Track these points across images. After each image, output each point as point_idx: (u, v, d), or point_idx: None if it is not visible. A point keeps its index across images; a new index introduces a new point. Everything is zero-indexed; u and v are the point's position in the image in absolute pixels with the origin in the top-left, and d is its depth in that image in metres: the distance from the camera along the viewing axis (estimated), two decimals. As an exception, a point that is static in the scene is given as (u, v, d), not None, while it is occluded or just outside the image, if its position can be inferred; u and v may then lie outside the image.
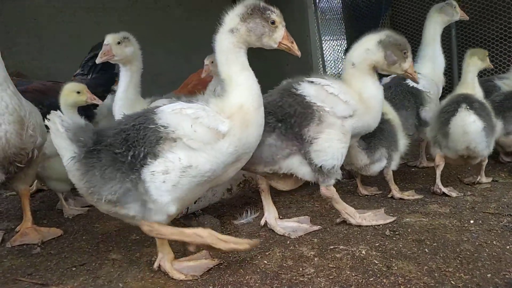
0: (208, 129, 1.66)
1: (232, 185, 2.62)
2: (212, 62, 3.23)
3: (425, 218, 2.25)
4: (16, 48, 6.43)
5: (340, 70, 8.35)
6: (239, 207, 2.70)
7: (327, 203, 2.62)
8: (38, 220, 2.73)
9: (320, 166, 2.04)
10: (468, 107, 2.40)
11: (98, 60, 2.66)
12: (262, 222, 2.32)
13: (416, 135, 3.06)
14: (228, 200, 2.73)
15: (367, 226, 2.17)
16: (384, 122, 2.44)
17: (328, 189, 2.14)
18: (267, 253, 1.99)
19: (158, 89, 5.17)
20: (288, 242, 2.09)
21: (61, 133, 1.65)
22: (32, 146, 2.35)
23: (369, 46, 2.16)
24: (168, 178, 1.63)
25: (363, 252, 1.91)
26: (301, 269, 1.80)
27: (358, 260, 1.83)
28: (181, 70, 4.92)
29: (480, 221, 2.13)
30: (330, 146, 2.01)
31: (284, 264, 1.86)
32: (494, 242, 1.89)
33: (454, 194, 2.53)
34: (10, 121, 2.18)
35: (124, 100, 2.65)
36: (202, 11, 9.16)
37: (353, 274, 1.71)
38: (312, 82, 2.10)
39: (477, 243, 1.89)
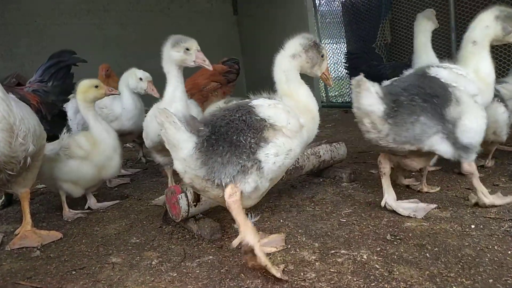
0: (296, 121, 1.96)
1: (233, 189, 2.61)
2: None
3: (426, 222, 2.24)
4: (17, 50, 6.44)
5: (340, 73, 8.38)
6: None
7: (327, 207, 2.62)
8: (37, 223, 2.72)
9: (465, 144, 2.21)
10: (499, 100, 2.88)
11: (211, 68, 2.64)
12: (383, 203, 2.43)
13: None
14: (229, 204, 2.72)
15: (499, 205, 2.33)
16: None
17: (470, 165, 2.28)
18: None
19: (158, 91, 5.20)
20: (289, 246, 2.08)
21: (178, 126, 1.77)
22: (24, 154, 2.27)
23: (488, 23, 2.43)
24: (277, 160, 1.88)
25: (365, 256, 1.90)
26: (302, 274, 1.79)
27: (360, 265, 1.82)
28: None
29: (481, 226, 2.13)
30: (474, 123, 2.22)
31: (285, 269, 1.85)
32: (496, 247, 1.88)
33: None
34: None
35: (184, 101, 2.66)
36: (203, 13, 9.20)
37: (355, 279, 1.71)
38: (441, 66, 2.36)
39: (478, 248, 1.89)
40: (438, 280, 1.65)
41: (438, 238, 2.03)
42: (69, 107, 3.93)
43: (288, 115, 1.93)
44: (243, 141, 1.82)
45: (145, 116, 3.81)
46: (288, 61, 2.08)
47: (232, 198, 1.78)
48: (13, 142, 2.18)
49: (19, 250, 2.34)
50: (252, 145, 1.83)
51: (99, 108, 3.41)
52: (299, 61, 2.08)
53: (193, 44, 2.54)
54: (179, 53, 2.53)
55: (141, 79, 3.55)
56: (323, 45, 2.16)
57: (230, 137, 1.83)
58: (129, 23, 8.31)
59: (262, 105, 1.95)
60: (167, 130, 1.77)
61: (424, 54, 3.38)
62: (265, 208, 2.69)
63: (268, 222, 2.45)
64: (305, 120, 2.02)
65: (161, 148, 2.78)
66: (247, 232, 1.79)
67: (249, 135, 1.84)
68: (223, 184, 1.80)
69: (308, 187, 3.07)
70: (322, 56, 2.12)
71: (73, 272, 2.01)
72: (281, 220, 2.46)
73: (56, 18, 7.50)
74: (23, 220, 2.51)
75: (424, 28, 3.45)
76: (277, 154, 1.87)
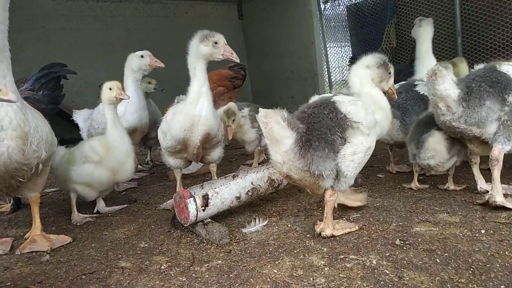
0: (373, 117, 2.15)
1: (241, 193, 2.61)
2: None
3: (435, 227, 2.23)
4: (24, 55, 6.51)
5: (345, 77, 8.37)
6: (247, 215, 2.70)
7: (335, 211, 2.61)
8: (47, 227, 2.74)
9: None
10: None
11: (238, 60, 2.68)
12: (481, 187, 2.68)
13: None
14: (236, 208, 2.73)
15: (509, 208, 2.37)
16: None
17: (500, 153, 2.42)
18: (276, 262, 1.98)
19: (162, 95, 5.22)
20: (297, 251, 2.09)
21: (282, 125, 2.02)
22: (36, 161, 2.32)
23: None
24: (355, 158, 2.10)
25: (374, 262, 1.89)
26: (311, 279, 1.79)
27: (369, 270, 1.82)
28: (186, 76, 4.99)
29: (491, 231, 2.11)
30: None
31: (294, 274, 1.85)
32: (507, 253, 1.87)
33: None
34: (13, 137, 2.16)
35: (210, 96, 2.70)
36: (208, 18, 9.25)
37: (365, 285, 1.70)
38: (508, 64, 2.52)
39: (489, 254, 1.88)
40: (449, 285, 1.64)
41: (448, 243, 2.02)
42: (79, 117, 3.97)
43: (366, 112, 2.13)
44: (335, 139, 2.08)
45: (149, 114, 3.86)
46: (363, 70, 2.35)
47: (332, 197, 2.20)
48: (27, 149, 2.22)
49: (29, 254, 2.36)
50: (338, 144, 2.09)
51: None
52: (371, 72, 2.34)
53: (221, 38, 2.59)
54: (207, 47, 2.58)
55: (142, 56, 3.65)
56: (391, 64, 2.42)
57: (324, 134, 2.07)
58: (135, 28, 8.37)
59: (343, 102, 2.16)
60: (272, 128, 2.00)
61: (427, 59, 3.43)
62: (273, 213, 2.69)
63: (276, 227, 2.45)
64: (380, 116, 2.24)
65: (180, 148, 2.80)
66: (329, 225, 2.24)
67: (337, 133, 2.09)
68: (324, 175, 2.07)
69: (315, 192, 3.07)
70: (390, 73, 2.39)
71: (83, 277, 2.02)
72: (289, 225, 2.46)
73: (64, 23, 7.57)
74: (33, 224, 2.53)
75: (429, 36, 3.52)
76: (354, 153, 2.10)
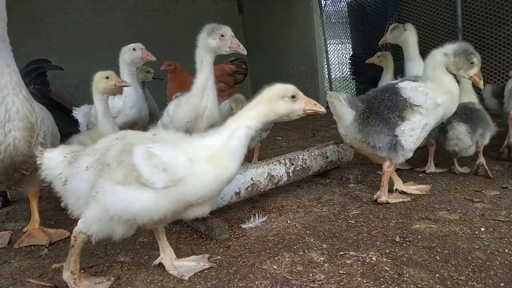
0: (433, 101, 2.51)
1: (240, 189, 2.60)
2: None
3: (435, 225, 2.23)
4: (24, 49, 6.47)
5: (345, 73, 8.35)
6: (246, 210, 2.69)
7: (334, 208, 2.61)
8: (45, 221, 2.73)
9: None
10: None
11: (245, 52, 2.67)
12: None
13: (425, 141, 3.12)
14: (236, 204, 2.72)
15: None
16: (478, 110, 3.02)
17: None
18: (276, 258, 1.98)
19: (162, 90, 5.20)
20: (297, 247, 2.08)
21: (343, 104, 2.45)
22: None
23: None
24: (413, 134, 2.49)
25: (374, 258, 1.89)
26: (311, 275, 1.79)
27: (369, 267, 1.82)
28: (186, 70, 5.00)
29: (491, 229, 2.11)
30: None
31: (294, 270, 1.85)
32: (506, 251, 1.87)
33: None
34: (20, 128, 2.12)
35: (215, 90, 2.72)
36: (208, 13, 9.20)
37: (364, 281, 1.70)
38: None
39: (488, 251, 1.88)
40: (448, 283, 1.64)
41: (448, 241, 2.01)
42: (78, 112, 3.95)
43: (426, 97, 2.49)
44: (391, 117, 2.48)
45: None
46: (439, 56, 2.61)
47: (389, 169, 2.57)
48: (33, 141, 2.18)
49: (27, 248, 2.35)
50: (397, 121, 2.47)
51: None
52: (447, 60, 2.58)
53: (227, 31, 2.60)
54: (215, 40, 2.59)
55: (134, 49, 3.57)
56: (476, 54, 2.58)
57: (381, 112, 2.49)
58: (135, 22, 8.33)
59: (406, 88, 2.55)
60: (335, 106, 2.46)
61: (417, 61, 3.53)
62: (272, 209, 2.69)
63: (276, 223, 2.45)
64: (443, 99, 2.55)
65: None
66: (385, 192, 2.59)
67: (395, 112, 2.47)
68: (377, 147, 2.50)
69: (315, 188, 3.07)
70: (471, 63, 2.56)
71: (82, 271, 2.00)
72: (289, 221, 2.45)
73: (63, 17, 7.53)
74: (31, 218, 2.52)
75: (416, 38, 3.63)
76: (412, 129, 2.47)
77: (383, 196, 2.57)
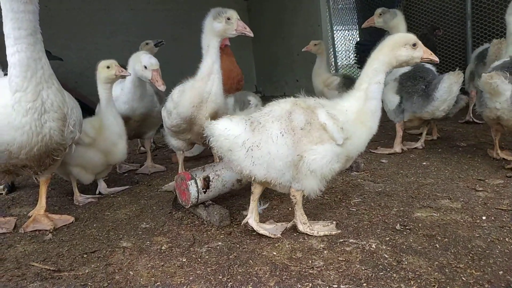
0: None
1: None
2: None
3: (436, 213, 2.22)
4: None
5: (351, 60, 8.26)
6: (248, 198, 2.68)
7: (336, 196, 2.61)
8: (50, 207, 2.77)
9: None
10: None
11: (252, 34, 2.60)
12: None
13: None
14: (238, 191, 2.73)
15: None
16: None
17: None
18: (276, 245, 1.99)
19: (167, 79, 5.18)
20: (296, 234, 2.09)
21: (504, 81, 2.68)
22: (71, 141, 2.46)
23: None
24: None
25: (373, 246, 1.90)
26: (310, 262, 1.80)
27: (368, 254, 1.82)
28: (191, 59, 4.97)
29: (493, 218, 2.10)
30: None
31: (294, 256, 1.86)
32: (507, 239, 1.86)
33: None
34: (54, 118, 2.22)
35: (220, 75, 2.69)
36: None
37: (363, 268, 1.71)
38: None
39: (489, 240, 1.87)
40: (447, 270, 1.65)
41: (448, 229, 2.01)
42: None
43: None
44: None
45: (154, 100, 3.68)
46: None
47: None
48: (66, 130, 2.31)
49: (32, 233, 2.39)
50: None
51: None
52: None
53: (233, 14, 2.57)
54: (221, 24, 2.56)
55: (145, 67, 3.07)
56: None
57: None
58: (139, 8, 8.27)
59: None
60: (498, 86, 2.69)
61: None
62: (274, 196, 2.69)
63: (277, 210, 2.46)
64: None
65: (184, 127, 2.80)
66: None
67: None
68: None
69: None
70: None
71: (85, 255, 2.04)
72: (290, 208, 2.46)
73: (66, 3, 7.50)
74: (38, 203, 2.56)
75: (405, 24, 3.67)
76: None
77: None
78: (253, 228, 2.12)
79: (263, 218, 2.35)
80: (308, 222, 2.11)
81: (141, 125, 3.63)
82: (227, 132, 1.90)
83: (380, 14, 3.81)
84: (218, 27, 2.57)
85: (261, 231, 2.09)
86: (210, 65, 2.63)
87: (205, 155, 4.08)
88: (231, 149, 1.91)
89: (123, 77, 3.03)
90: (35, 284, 1.79)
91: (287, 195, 2.69)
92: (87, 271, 1.88)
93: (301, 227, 2.08)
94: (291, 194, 2.03)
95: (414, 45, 1.98)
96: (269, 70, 9.33)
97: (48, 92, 2.17)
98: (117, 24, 7.94)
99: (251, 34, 2.61)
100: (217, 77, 2.66)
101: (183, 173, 2.44)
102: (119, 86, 3.46)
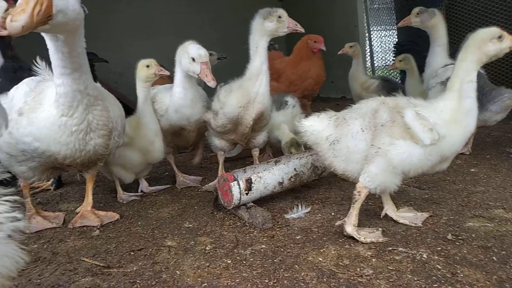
0: None
1: (284, 179, 2.59)
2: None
3: (490, 223, 2.11)
4: (30, 39, 6.73)
5: (388, 61, 8.04)
6: (289, 201, 2.68)
7: (381, 202, 2.54)
8: (95, 203, 2.82)
9: None
10: None
11: (303, 30, 2.69)
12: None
13: None
14: (278, 194, 2.71)
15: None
16: None
17: None
18: (321, 250, 1.96)
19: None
20: (342, 240, 2.05)
21: None
22: (115, 149, 2.55)
23: None
24: None
25: (424, 256, 1.82)
26: (358, 269, 1.75)
27: (420, 264, 1.76)
28: (227, 60, 5.02)
29: (554, 230, 1.98)
30: None
31: (340, 263, 1.82)
32: None
33: None
34: (100, 135, 2.29)
35: (268, 76, 2.72)
36: (247, 0, 9.15)
37: (415, 279, 1.64)
38: None
39: (551, 254, 1.76)
40: (507, 286, 1.56)
41: (505, 241, 1.90)
42: None
43: None
44: None
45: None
46: None
47: None
48: (111, 143, 2.40)
49: (80, 229, 2.47)
50: None
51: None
52: None
53: (283, 12, 2.62)
54: (272, 23, 2.60)
55: (193, 59, 2.68)
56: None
57: None
58: (177, 10, 8.42)
59: None
60: None
61: (446, 47, 3.63)
62: (315, 200, 2.66)
63: (319, 214, 2.42)
64: None
65: (230, 128, 2.81)
66: None
67: None
68: None
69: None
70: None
71: (132, 253, 2.09)
72: (333, 213, 2.42)
73: (108, 5, 7.75)
74: (85, 199, 2.64)
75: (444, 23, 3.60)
76: None
77: None
78: (392, 218, 2.23)
79: (305, 222, 2.33)
80: (356, 225, 2.07)
81: (198, 134, 3.17)
82: (312, 128, 2.09)
83: (418, 14, 3.69)
84: (270, 26, 2.59)
85: (401, 220, 2.18)
86: (259, 65, 2.64)
87: (242, 156, 4.09)
88: (317, 142, 2.10)
89: (162, 76, 3.04)
90: (87, 279, 1.85)
91: (329, 199, 2.66)
92: (135, 268, 1.92)
93: (349, 229, 2.05)
94: (356, 190, 2.05)
95: (499, 37, 1.98)
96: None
97: (94, 114, 2.21)
98: (156, 26, 8.13)
99: (303, 30, 2.63)
100: (265, 77, 2.66)
101: (225, 174, 2.45)
102: (168, 93, 3.05)
